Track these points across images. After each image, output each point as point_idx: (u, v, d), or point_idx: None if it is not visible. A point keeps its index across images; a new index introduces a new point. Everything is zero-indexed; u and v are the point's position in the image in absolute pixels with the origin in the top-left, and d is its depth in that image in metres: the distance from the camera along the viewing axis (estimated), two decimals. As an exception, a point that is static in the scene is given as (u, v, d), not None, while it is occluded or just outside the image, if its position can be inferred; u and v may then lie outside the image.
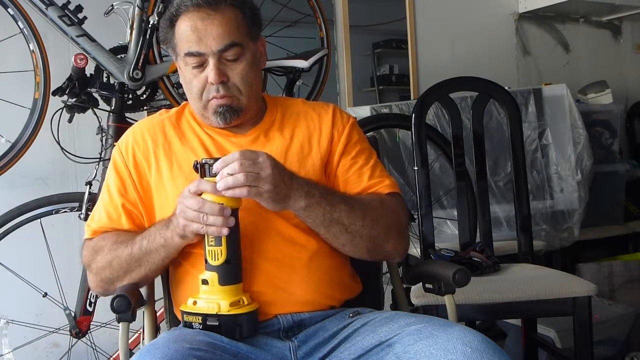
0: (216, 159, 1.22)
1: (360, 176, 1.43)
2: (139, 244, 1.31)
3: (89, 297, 2.13)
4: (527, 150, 2.77)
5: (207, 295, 1.23)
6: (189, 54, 1.36)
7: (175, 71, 1.92)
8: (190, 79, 1.38)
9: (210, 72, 1.35)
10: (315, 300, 1.33)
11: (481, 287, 1.83)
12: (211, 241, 1.23)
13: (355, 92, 3.29)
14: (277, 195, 1.21)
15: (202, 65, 1.36)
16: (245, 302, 1.25)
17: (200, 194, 1.21)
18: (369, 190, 1.42)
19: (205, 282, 1.24)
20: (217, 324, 1.21)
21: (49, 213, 2.13)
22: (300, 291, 1.32)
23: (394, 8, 3.45)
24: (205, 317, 1.22)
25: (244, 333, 1.23)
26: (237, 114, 1.40)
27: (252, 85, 1.40)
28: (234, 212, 1.22)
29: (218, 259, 1.22)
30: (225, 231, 1.20)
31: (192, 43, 1.34)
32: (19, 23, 2.06)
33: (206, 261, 1.24)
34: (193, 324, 1.23)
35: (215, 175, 1.21)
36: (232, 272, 1.24)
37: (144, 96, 2.21)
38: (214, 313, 1.22)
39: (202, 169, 1.23)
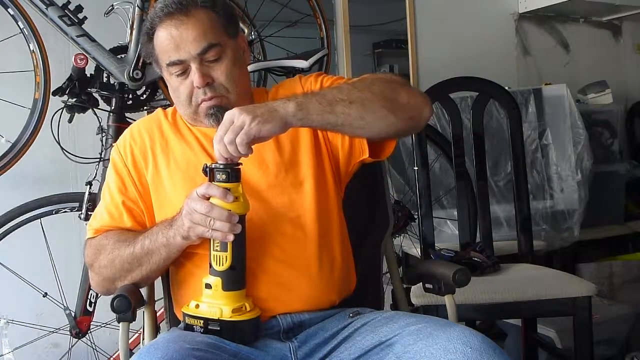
0: (225, 163, 1.22)
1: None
2: (140, 243, 1.31)
3: (89, 297, 2.13)
4: (527, 150, 2.77)
5: (209, 300, 1.23)
6: (171, 64, 1.36)
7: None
8: (177, 86, 1.38)
9: (194, 76, 1.35)
10: (317, 298, 1.33)
11: (481, 287, 1.83)
12: (216, 246, 1.22)
13: (355, 92, 3.28)
14: (265, 117, 1.17)
15: (185, 72, 1.36)
16: (248, 309, 1.25)
17: (208, 198, 1.21)
18: None
19: (208, 286, 1.23)
20: (218, 328, 1.21)
21: (49, 213, 2.13)
22: (303, 288, 1.32)
23: (394, 8, 3.44)
24: (207, 321, 1.22)
25: (245, 340, 1.23)
26: None
27: (238, 82, 1.40)
28: (241, 219, 1.22)
29: (223, 265, 1.22)
30: (231, 237, 1.20)
31: (172, 52, 1.35)
32: (19, 23, 2.06)
33: (210, 265, 1.24)
34: (194, 327, 1.23)
35: (223, 180, 1.21)
36: (236, 278, 1.24)
37: (144, 96, 2.21)
38: (216, 318, 1.22)
39: (212, 173, 1.23)
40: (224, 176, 1.22)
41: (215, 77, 1.36)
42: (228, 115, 1.19)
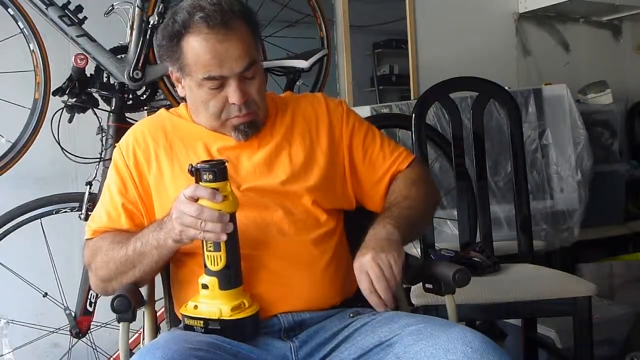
0: (211, 163, 1.21)
1: (377, 164, 1.48)
2: (133, 246, 1.31)
3: (89, 297, 2.13)
4: (527, 150, 2.77)
5: (207, 300, 1.23)
6: (209, 78, 1.32)
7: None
8: (207, 99, 1.35)
9: (233, 93, 1.32)
10: (318, 298, 1.34)
11: (481, 287, 1.83)
12: (210, 246, 1.22)
13: (355, 92, 3.29)
14: (400, 254, 1.27)
15: (221, 86, 1.33)
16: (247, 305, 1.24)
17: (196, 200, 1.20)
18: (392, 173, 1.48)
19: (205, 286, 1.23)
20: (219, 328, 1.21)
21: (49, 213, 2.13)
22: (304, 288, 1.32)
23: (394, 8, 3.45)
24: (207, 321, 1.22)
25: (246, 336, 1.23)
26: (258, 129, 1.40)
27: (265, 96, 1.40)
28: (232, 217, 1.21)
29: (217, 265, 1.21)
30: (224, 237, 1.19)
31: (213, 67, 1.30)
32: (19, 23, 2.06)
33: (205, 266, 1.23)
34: (195, 327, 1.23)
35: (210, 180, 1.20)
36: (232, 277, 1.23)
37: (144, 96, 2.21)
38: (216, 318, 1.21)
39: (198, 173, 1.21)
40: (210, 176, 1.20)
41: (249, 93, 1.35)
42: (372, 269, 1.23)
